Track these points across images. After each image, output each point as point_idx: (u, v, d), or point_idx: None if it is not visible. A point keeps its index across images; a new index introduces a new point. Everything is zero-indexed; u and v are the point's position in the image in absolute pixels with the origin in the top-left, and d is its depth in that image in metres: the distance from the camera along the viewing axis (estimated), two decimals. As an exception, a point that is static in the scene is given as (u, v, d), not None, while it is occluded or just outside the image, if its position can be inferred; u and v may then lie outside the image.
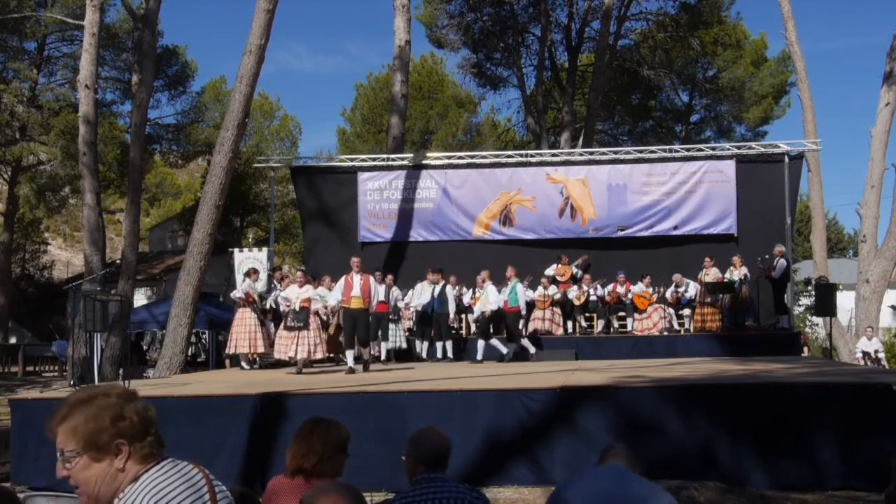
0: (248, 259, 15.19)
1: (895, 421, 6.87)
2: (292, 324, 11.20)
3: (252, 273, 12.60)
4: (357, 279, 10.60)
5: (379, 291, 12.29)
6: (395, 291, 13.68)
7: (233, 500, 2.00)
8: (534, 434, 7.17)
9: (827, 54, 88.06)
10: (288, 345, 11.20)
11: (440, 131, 32.43)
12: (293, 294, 11.43)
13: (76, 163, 19.82)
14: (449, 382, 8.37)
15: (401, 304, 13.88)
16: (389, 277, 13.62)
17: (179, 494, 1.83)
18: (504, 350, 13.07)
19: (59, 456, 1.85)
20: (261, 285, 12.83)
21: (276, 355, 11.64)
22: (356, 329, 10.55)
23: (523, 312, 13.49)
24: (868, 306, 16.76)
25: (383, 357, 12.84)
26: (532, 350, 13.29)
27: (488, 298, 12.89)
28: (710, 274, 14.30)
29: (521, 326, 13.62)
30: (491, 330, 13.10)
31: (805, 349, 16.00)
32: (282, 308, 11.75)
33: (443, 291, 13.57)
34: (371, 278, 10.97)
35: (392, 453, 6.92)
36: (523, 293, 13.21)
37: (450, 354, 13.57)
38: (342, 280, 10.82)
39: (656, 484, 2.85)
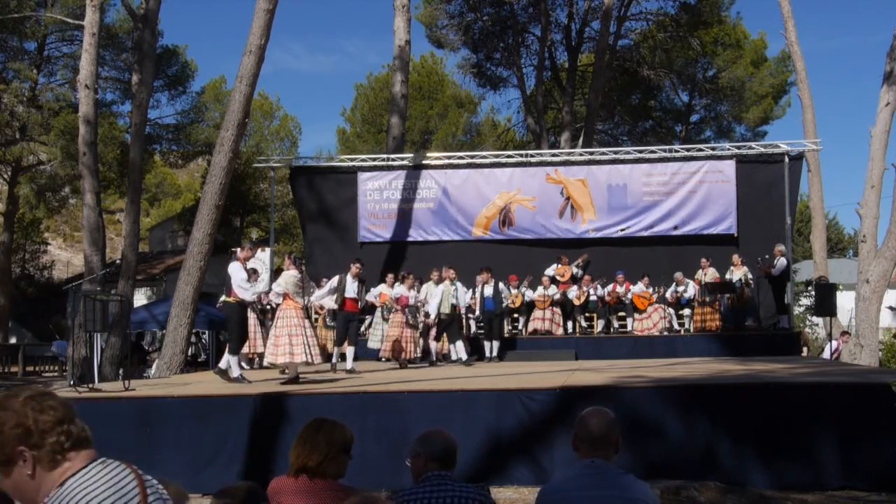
0: (252, 259, 15.15)
1: (895, 421, 6.87)
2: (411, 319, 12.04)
3: (252, 273, 12.55)
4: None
5: (349, 286, 11.18)
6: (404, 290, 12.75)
7: (168, 498, 1.94)
8: (534, 434, 7.18)
9: (827, 54, 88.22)
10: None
11: (440, 131, 32.43)
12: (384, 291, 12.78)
13: (76, 163, 19.82)
14: (449, 382, 8.38)
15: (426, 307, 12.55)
16: (410, 276, 12.65)
17: (104, 499, 1.80)
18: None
19: None
20: (262, 286, 12.77)
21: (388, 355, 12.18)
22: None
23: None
24: (868, 306, 16.70)
25: (349, 366, 10.92)
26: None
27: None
28: (709, 274, 14.30)
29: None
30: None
31: (805, 349, 15.99)
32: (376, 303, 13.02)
33: (497, 291, 13.22)
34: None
35: (392, 453, 6.95)
36: (459, 294, 12.80)
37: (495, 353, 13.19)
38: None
39: (633, 476, 2.85)
